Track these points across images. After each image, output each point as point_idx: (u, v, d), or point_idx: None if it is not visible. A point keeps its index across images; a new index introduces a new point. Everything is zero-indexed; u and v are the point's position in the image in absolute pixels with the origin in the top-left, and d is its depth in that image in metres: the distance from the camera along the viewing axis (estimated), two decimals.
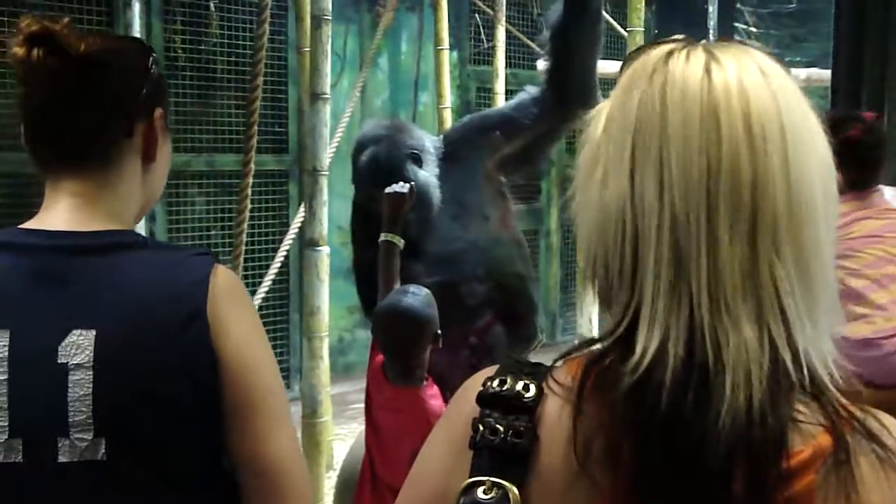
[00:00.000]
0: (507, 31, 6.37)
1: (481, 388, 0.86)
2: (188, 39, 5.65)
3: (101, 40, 1.30)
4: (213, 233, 5.75)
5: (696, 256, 0.79)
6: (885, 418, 0.82)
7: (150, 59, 1.36)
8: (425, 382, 2.49)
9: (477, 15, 7.16)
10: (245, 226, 3.61)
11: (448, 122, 5.62)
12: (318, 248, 3.85)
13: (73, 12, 5.14)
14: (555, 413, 0.83)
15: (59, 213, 1.28)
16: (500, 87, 6.16)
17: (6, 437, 1.19)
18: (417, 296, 2.47)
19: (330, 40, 3.81)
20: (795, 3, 8.68)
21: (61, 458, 1.19)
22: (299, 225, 5.49)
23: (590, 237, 0.86)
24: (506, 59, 6.18)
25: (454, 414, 0.90)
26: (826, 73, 7.37)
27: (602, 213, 0.84)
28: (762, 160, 0.79)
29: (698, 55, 0.83)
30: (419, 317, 2.43)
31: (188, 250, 1.36)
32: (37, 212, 1.32)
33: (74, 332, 1.20)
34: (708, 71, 0.82)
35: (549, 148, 3.30)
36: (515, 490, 0.81)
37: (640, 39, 4.88)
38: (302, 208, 5.40)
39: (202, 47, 5.69)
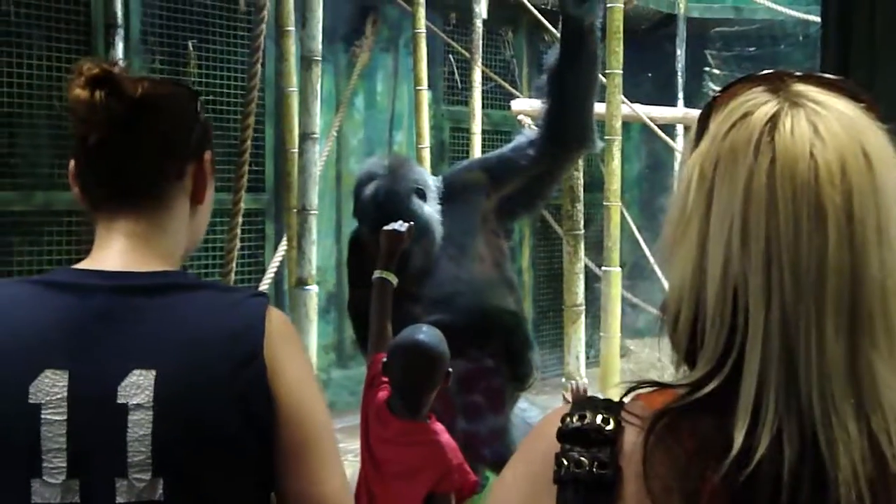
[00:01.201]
0: (483, 71, 6.46)
1: (561, 425, 0.88)
2: (166, 78, 5.64)
3: (153, 84, 1.33)
4: (189, 272, 5.72)
5: (805, 353, 0.81)
6: None
7: (199, 103, 1.39)
8: (429, 419, 2.52)
9: (451, 56, 7.23)
10: (234, 264, 3.60)
11: (427, 161, 5.66)
12: (307, 287, 3.85)
13: (51, 49, 5.12)
14: (633, 444, 0.85)
15: (113, 254, 1.29)
16: (476, 127, 6.23)
17: (64, 477, 1.18)
18: (432, 333, 2.51)
19: (320, 81, 3.83)
20: (756, 47, 8.89)
21: (119, 499, 1.19)
22: (278, 264, 5.49)
23: (681, 300, 0.88)
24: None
25: (531, 452, 0.93)
26: None
27: (697, 283, 0.86)
28: (861, 258, 0.82)
29: (802, 128, 0.84)
30: (436, 353, 2.48)
31: (243, 291, 1.38)
32: (89, 250, 1.33)
33: (134, 372, 1.20)
34: (812, 154, 0.83)
35: (548, 190, 3.34)
36: None
37: (618, 82, 4.96)
38: (281, 247, 5.41)
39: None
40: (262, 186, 6.19)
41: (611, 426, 0.87)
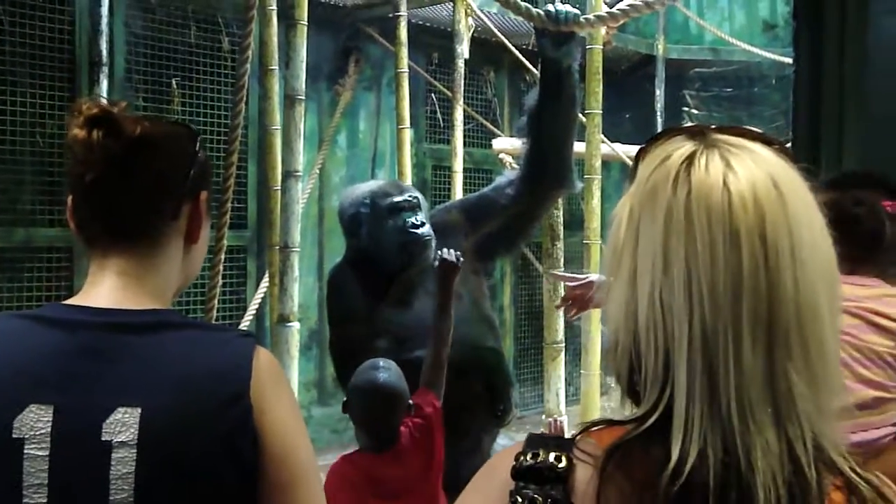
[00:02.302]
0: (465, 110, 6.52)
1: (515, 463, 0.92)
2: (150, 116, 5.66)
3: (152, 124, 1.34)
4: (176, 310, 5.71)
5: (724, 367, 0.87)
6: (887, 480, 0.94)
7: (197, 142, 1.39)
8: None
9: (433, 95, 7.30)
10: (216, 301, 3.61)
11: None
12: (289, 324, 3.85)
13: (35, 87, 5.15)
14: (585, 481, 0.90)
15: (104, 291, 1.30)
16: (458, 165, 6.27)
17: None
18: (389, 370, 2.55)
19: (303, 119, 3.87)
20: (733, 88, 9.01)
21: None
22: (260, 301, 5.49)
23: (618, 331, 0.93)
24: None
25: (486, 487, 0.96)
26: None
27: (630, 313, 0.92)
28: (775, 277, 0.87)
29: (715, 163, 0.91)
30: (395, 392, 2.52)
31: (231, 332, 1.36)
32: (80, 287, 1.33)
33: (120, 409, 1.20)
34: (726, 185, 0.89)
35: (529, 230, 3.39)
36: None
37: (598, 121, 5.03)
38: (263, 284, 5.41)
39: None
40: (245, 223, 6.20)
41: (563, 464, 0.91)
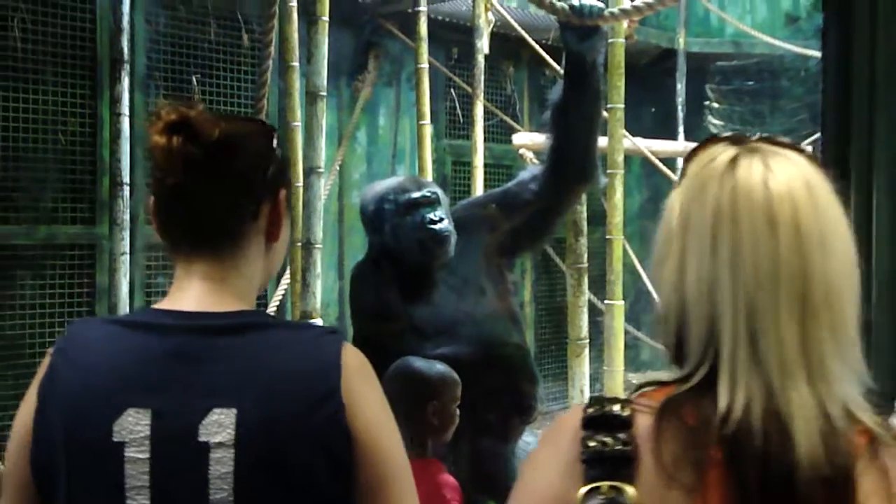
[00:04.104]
0: (484, 106, 6.50)
1: (584, 414, 1.06)
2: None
3: (231, 124, 1.34)
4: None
5: (764, 334, 1.03)
6: None
7: (274, 139, 1.39)
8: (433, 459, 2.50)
9: (453, 90, 7.29)
10: None
11: None
12: (311, 321, 3.84)
13: (57, 84, 5.16)
14: (646, 427, 1.04)
15: (191, 295, 1.32)
16: (478, 160, 6.25)
17: None
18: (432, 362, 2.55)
19: (325, 115, 3.86)
20: (755, 81, 8.94)
21: None
22: (281, 297, 5.49)
23: (666, 306, 1.09)
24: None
25: (557, 438, 1.09)
26: None
27: (679, 289, 1.07)
28: (807, 258, 1.04)
29: (757, 166, 1.07)
30: (450, 380, 2.51)
31: (317, 329, 1.39)
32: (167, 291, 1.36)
33: (216, 410, 1.23)
34: (766, 184, 1.05)
35: (553, 225, 3.36)
36: (630, 489, 1.01)
37: (620, 116, 4.98)
38: (284, 281, 5.41)
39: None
40: None
41: (627, 412, 1.05)
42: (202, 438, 1.22)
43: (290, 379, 1.25)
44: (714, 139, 1.13)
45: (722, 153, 1.09)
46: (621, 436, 1.03)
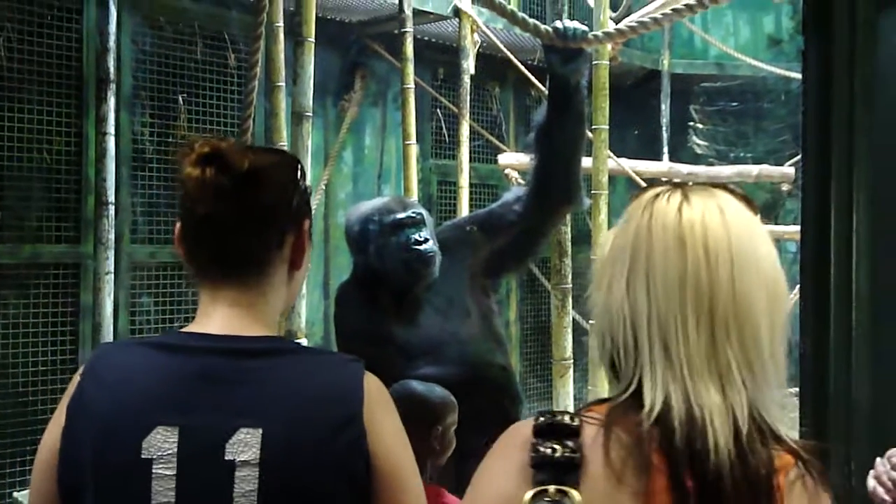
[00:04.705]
0: (470, 126, 6.53)
1: (535, 423, 1.14)
2: (156, 132, 5.68)
3: (258, 156, 1.39)
4: (176, 325, 5.70)
5: (675, 343, 1.13)
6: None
7: (299, 171, 1.45)
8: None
9: (439, 110, 7.31)
10: None
11: None
12: (296, 340, 3.84)
13: (43, 103, 5.16)
14: (592, 435, 1.12)
15: (218, 320, 1.36)
16: (463, 180, 6.28)
17: None
18: (430, 385, 2.55)
19: (311, 135, 3.87)
20: (739, 102, 9.01)
21: None
22: None
23: (601, 327, 1.19)
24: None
25: (508, 447, 1.16)
26: (774, 170, 7.67)
27: (608, 310, 1.18)
28: (714, 275, 1.13)
29: (676, 197, 1.18)
30: (442, 402, 2.51)
31: (340, 356, 1.44)
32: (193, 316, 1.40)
33: (242, 430, 1.27)
34: (680, 210, 1.16)
35: (537, 246, 3.37)
36: (576, 492, 1.08)
37: (605, 137, 5.03)
38: None
39: (170, 139, 5.73)
40: None
41: (576, 422, 1.13)
42: (228, 457, 1.26)
43: (314, 403, 1.30)
44: (653, 184, 1.25)
45: (648, 193, 1.21)
46: (569, 443, 1.11)
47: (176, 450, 1.26)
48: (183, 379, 1.30)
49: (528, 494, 1.09)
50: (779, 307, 1.16)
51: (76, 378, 1.36)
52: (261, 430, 1.26)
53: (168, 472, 1.26)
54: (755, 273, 1.14)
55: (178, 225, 1.41)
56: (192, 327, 1.38)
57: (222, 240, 1.37)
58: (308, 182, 1.47)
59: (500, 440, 1.19)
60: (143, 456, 1.26)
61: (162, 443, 1.27)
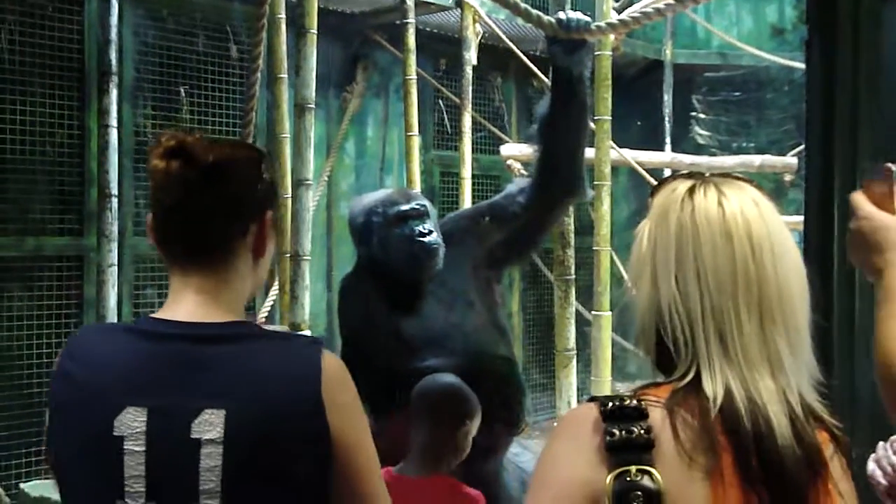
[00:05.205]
0: (473, 117, 6.52)
1: (603, 408, 1.18)
2: (158, 124, 5.69)
3: (223, 149, 1.48)
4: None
5: (730, 333, 1.18)
6: None
7: (263, 165, 1.53)
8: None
9: (441, 101, 7.31)
10: None
11: None
12: (300, 332, 3.84)
13: (45, 96, 5.17)
14: (659, 417, 1.16)
15: (186, 306, 1.46)
16: (466, 172, 6.28)
17: (143, 500, 1.37)
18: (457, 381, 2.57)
19: (313, 127, 3.87)
20: (742, 92, 8.99)
21: None
22: (269, 309, 5.49)
23: (643, 319, 1.24)
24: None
25: (574, 432, 1.19)
26: (777, 160, 7.66)
27: (654, 305, 1.22)
28: (760, 266, 1.19)
29: (712, 191, 1.23)
30: (465, 397, 2.53)
31: (300, 339, 1.53)
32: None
33: (206, 411, 1.36)
34: (721, 204, 1.21)
35: (540, 238, 3.37)
36: (655, 472, 1.12)
37: (607, 128, 5.02)
38: (272, 292, 5.42)
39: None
40: None
41: (643, 405, 1.17)
42: (194, 436, 1.36)
43: (275, 384, 1.39)
44: (674, 176, 1.30)
45: (681, 184, 1.26)
46: (642, 425, 1.15)
47: (144, 428, 1.36)
48: (151, 363, 1.40)
49: (610, 477, 1.13)
50: (807, 293, 1.23)
51: (58, 358, 1.48)
52: (224, 412, 1.36)
53: (138, 449, 1.36)
54: (791, 261, 1.21)
55: (149, 215, 1.49)
56: (162, 313, 1.46)
57: (188, 229, 1.46)
58: (274, 175, 1.56)
59: (563, 427, 1.23)
60: (114, 433, 1.37)
61: (132, 422, 1.37)
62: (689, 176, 1.28)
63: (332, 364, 1.43)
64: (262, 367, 1.40)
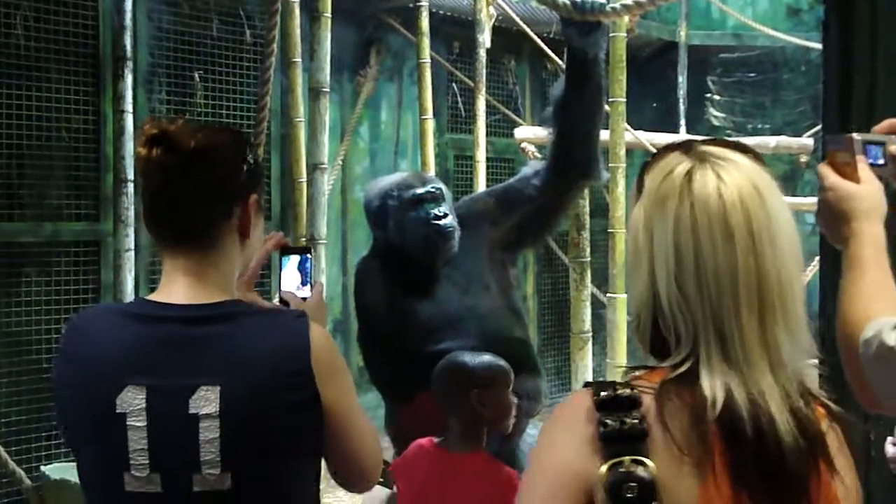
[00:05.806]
0: (486, 100, 6.51)
1: (596, 398, 1.17)
2: (173, 109, 5.70)
3: (205, 134, 1.55)
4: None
5: (729, 329, 1.16)
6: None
7: (247, 149, 1.60)
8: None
9: (455, 84, 7.30)
10: None
11: None
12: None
13: (60, 81, 5.18)
14: (651, 406, 1.16)
15: (178, 288, 1.53)
16: (480, 155, 6.28)
17: (148, 472, 1.46)
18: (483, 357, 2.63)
19: (328, 111, 3.87)
20: (757, 73, 8.94)
21: (195, 488, 1.46)
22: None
23: (640, 309, 1.23)
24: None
25: (569, 421, 1.19)
26: (793, 141, 7.62)
27: (650, 296, 1.20)
28: (760, 259, 1.17)
29: (709, 176, 1.19)
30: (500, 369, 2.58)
31: (288, 314, 1.58)
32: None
33: (202, 388, 1.45)
34: (721, 194, 1.18)
35: (555, 220, 3.37)
36: (649, 461, 1.12)
37: (622, 110, 5.01)
38: None
39: (187, 117, 5.74)
40: (269, 215, 6.21)
41: (635, 392, 1.17)
42: (192, 411, 1.44)
43: (267, 359, 1.47)
44: (666, 149, 1.26)
45: (677, 166, 1.21)
46: (635, 414, 1.15)
47: (145, 405, 1.45)
48: (148, 345, 1.48)
49: (604, 467, 1.12)
50: (800, 270, 1.21)
51: (61, 340, 1.57)
52: (219, 387, 1.44)
53: (140, 424, 1.45)
54: (788, 245, 1.19)
55: (143, 208, 1.57)
56: (156, 296, 1.54)
57: (173, 214, 1.53)
58: (257, 159, 1.62)
59: (558, 415, 1.22)
60: (117, 410, 1.45)
61: (132, 399, 1.45)
62: (683, 149, 1.24)
63: (320, 335, 1.51)
64: (253, 342, 1.47)
